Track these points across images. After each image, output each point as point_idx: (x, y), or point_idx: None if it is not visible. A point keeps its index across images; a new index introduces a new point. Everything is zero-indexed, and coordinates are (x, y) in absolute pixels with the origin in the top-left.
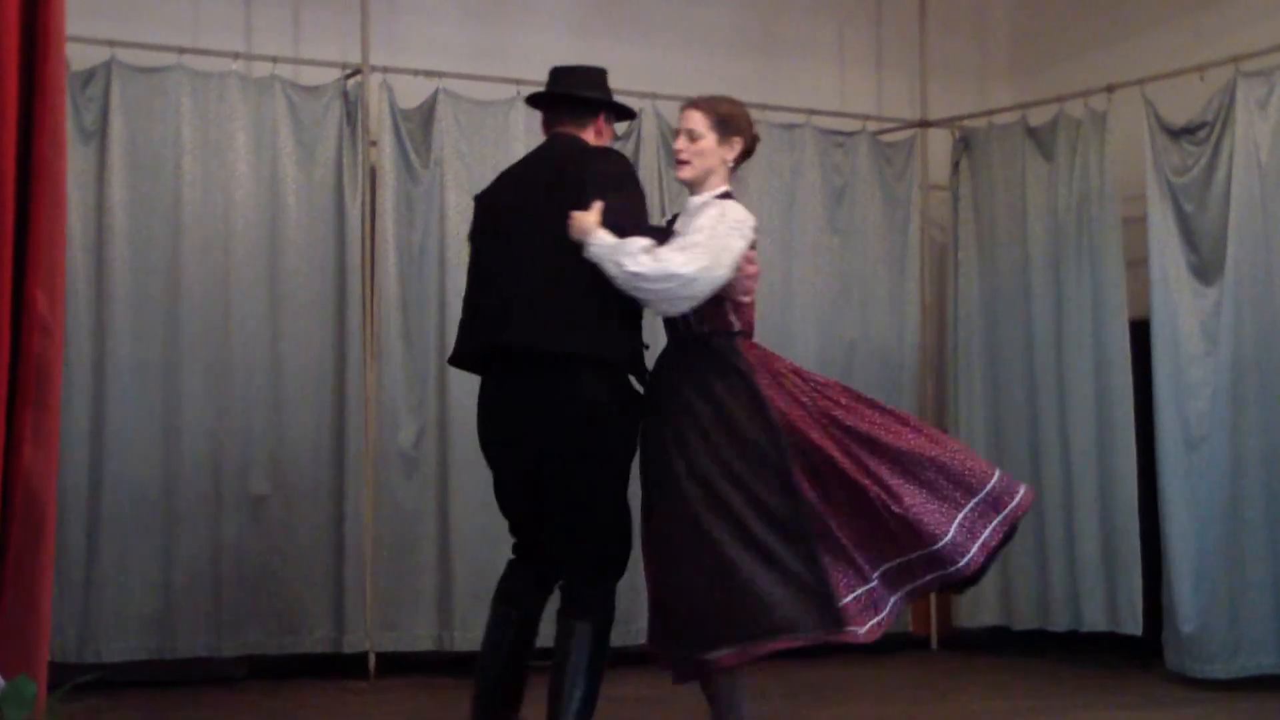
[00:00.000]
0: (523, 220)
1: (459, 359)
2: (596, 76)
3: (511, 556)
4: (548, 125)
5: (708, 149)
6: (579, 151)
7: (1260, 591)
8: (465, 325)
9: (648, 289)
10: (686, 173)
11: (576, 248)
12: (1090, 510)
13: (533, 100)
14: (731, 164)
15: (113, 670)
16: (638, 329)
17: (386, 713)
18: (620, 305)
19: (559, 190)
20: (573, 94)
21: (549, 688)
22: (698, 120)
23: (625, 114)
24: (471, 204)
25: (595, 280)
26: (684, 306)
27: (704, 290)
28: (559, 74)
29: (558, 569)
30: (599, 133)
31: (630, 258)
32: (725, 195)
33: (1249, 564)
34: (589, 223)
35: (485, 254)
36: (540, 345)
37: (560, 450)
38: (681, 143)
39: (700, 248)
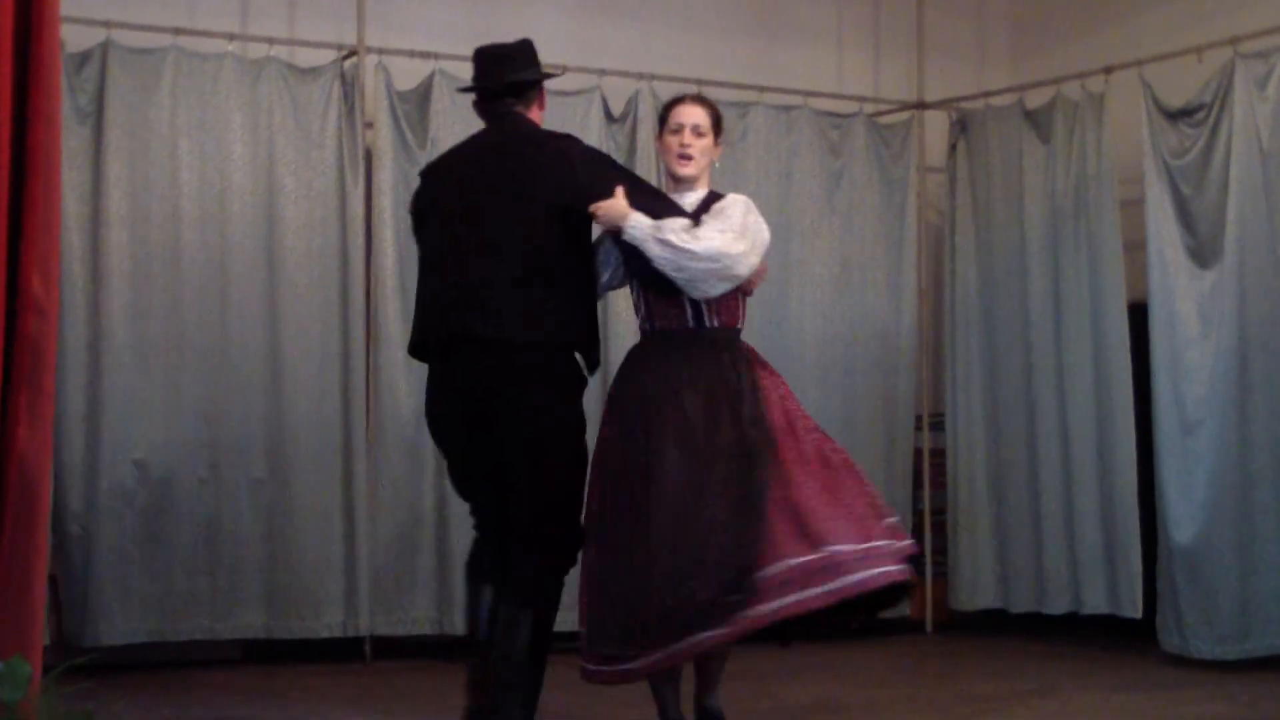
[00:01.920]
0: (490, 205)
1: (421, 348)
2: (528, 49)
3: (476, 536)
4: (489, 107)
5: (708, 146)
6: (544, 136)
7: (1272, 572)
8: (429, 311)
9: (695, 268)
10: (690, 168)
11: (547, 235)
12: (1090, 493)
13: (480, 88)
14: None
15: (110, 653)
16: (596, 316)
17: (382, 695)
18: (584, 293)
19: (530, 176)
20: (522, 79)
21: (491, 678)
22: (702, 117)
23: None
24: None
25: (564, 268)
26: (722, 289)
27: (745, 273)
28: (493, 57)
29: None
30: (541, 105)
31: (676, 235)
32: (714, 196)
33: (1259, 545)
34: (622, 206)
35: (443, 239)
36: (516, 335)
37: (529, 436)
38: (689, 137)
39: (740, 233)
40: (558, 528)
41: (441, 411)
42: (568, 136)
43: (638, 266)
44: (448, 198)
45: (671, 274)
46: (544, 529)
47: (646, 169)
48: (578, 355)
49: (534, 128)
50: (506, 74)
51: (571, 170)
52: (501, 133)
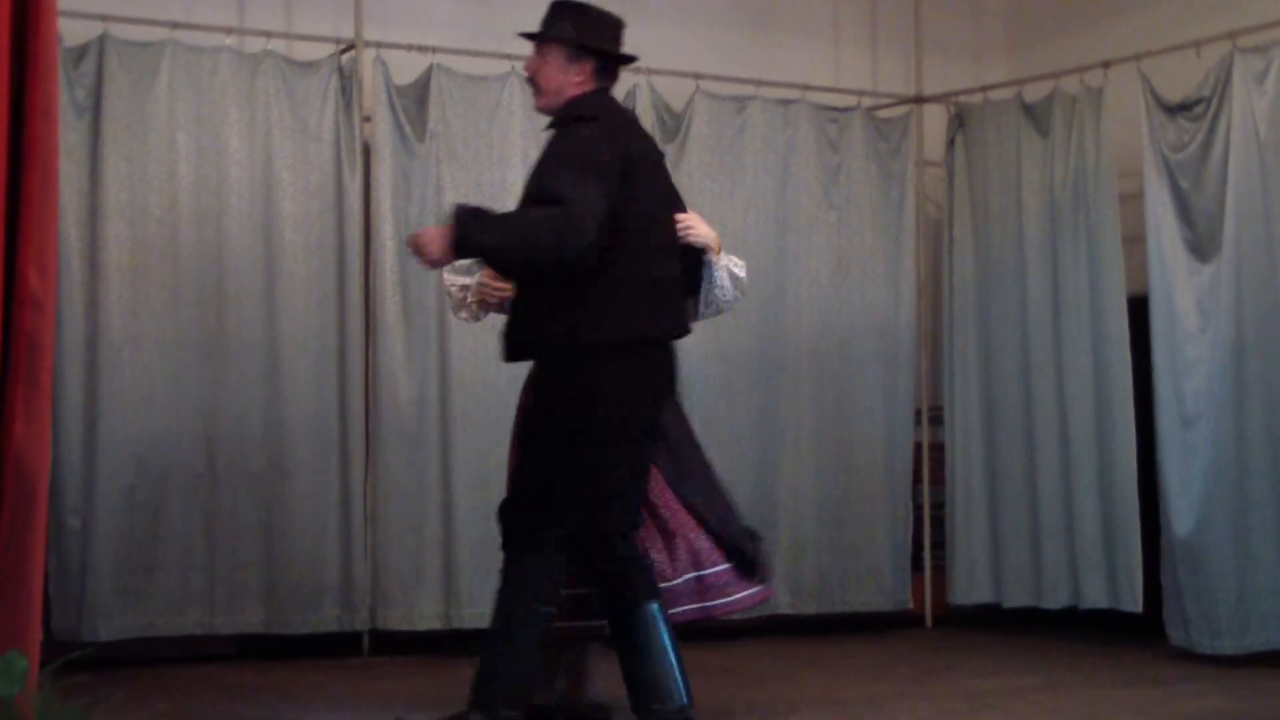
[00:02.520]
0: (670, 198)
1: (644, 340)
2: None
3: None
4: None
5: None
6: None
7: (1269, 567)
8: (661, 301)
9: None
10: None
11: None
12: (1089, 487)
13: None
14: None
15: (107, 648)
16: None
17: (379, 690)
18: None
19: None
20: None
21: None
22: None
23: None
24: (466, 178)
25: None
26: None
27: None
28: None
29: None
30: None
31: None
32: None
33: (1255, 540)
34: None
35: (652, 225)
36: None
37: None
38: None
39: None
40: None
41: (649, 412)
42: None
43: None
44: (650, 177)
45: (722, 306)
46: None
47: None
48: None
49: None
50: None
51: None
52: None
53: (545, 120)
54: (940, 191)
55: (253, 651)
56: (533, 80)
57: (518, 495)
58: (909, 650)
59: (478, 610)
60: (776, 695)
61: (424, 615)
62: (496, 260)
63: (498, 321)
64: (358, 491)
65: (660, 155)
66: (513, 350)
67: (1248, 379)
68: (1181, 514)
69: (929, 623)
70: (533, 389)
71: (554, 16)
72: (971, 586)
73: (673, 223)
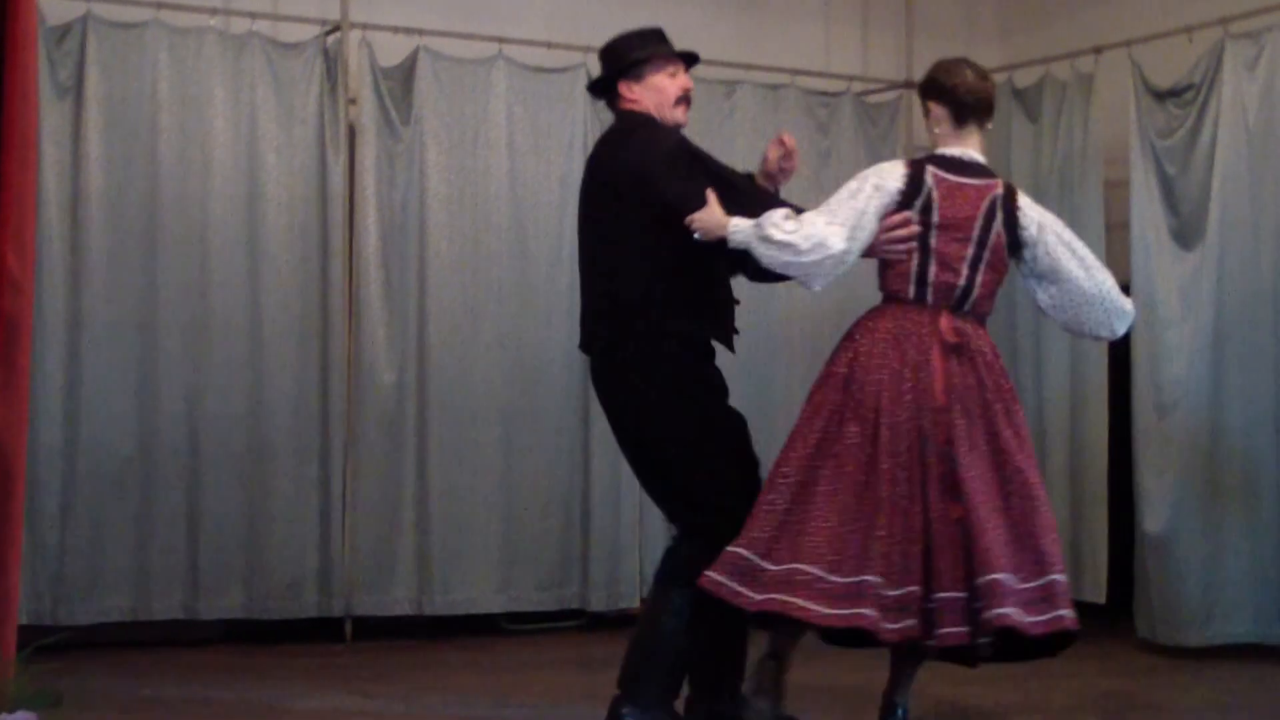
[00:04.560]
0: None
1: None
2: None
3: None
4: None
5: (927, 125)
6: None
7: (1237, 558)
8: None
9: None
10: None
11: None
12: (1060, 475)
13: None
14: (945, 125)
15: (87, 632)
16: None
17: (362, 676)
18: None
19: None
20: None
21: None
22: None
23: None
24: (451, 162)
25: None
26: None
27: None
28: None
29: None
30: None
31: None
32: (926, 160)
33: (1226, 531)
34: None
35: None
36: None
37: None
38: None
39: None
40: None
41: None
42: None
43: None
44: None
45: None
46: None
47: None
48: None
49: None
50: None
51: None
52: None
53: (531, 103)
54: None
55: (236, 636)
56: (690, 96)
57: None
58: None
59: (451, 597)
60: None
61: (398, 601)
62: None
63: (478, 308)
64: (338, 476)
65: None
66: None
67: (1226, 367)
68: (1154, 503)
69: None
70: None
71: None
72: None
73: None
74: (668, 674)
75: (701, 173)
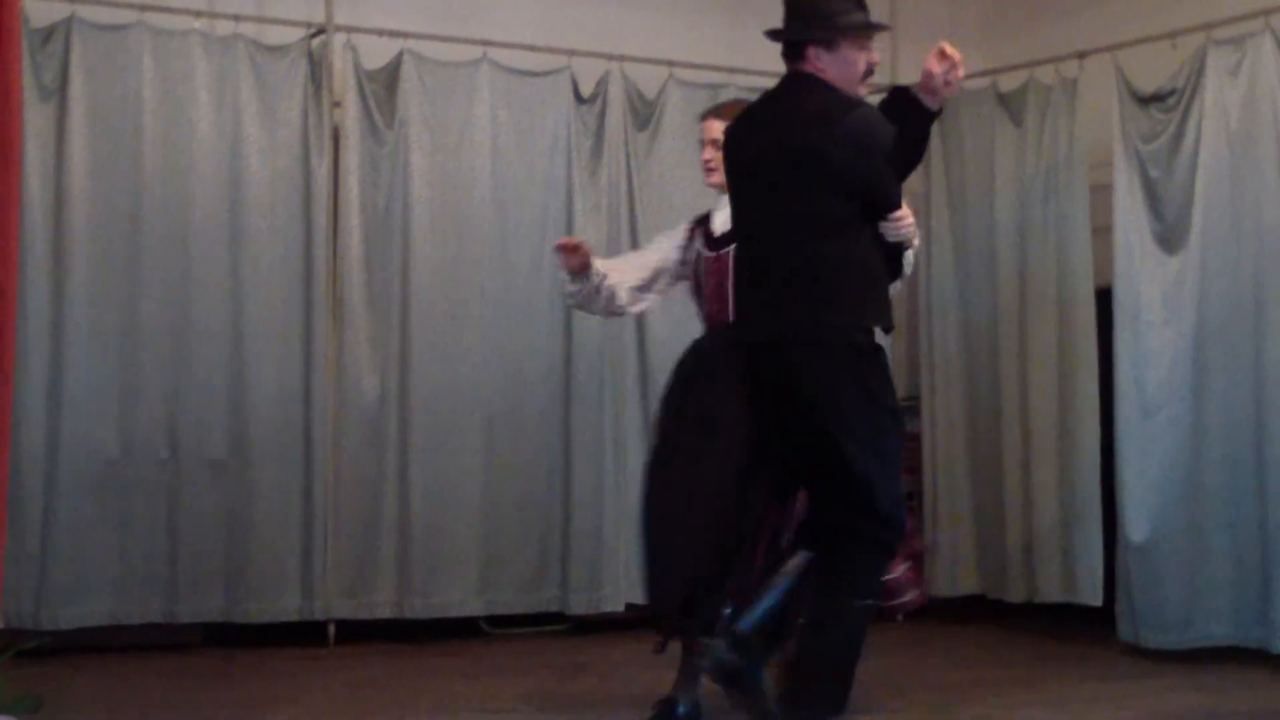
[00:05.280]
0: None
1: None
2: None
3: None
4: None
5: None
6: None
7: (1220, 561)
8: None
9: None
10: (716, 179)
11: None
12: (1050, 478)
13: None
14: None
15: (68, 636)
16: None
17: (345, 681)
18: None
19: None
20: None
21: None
22: (722, 131)
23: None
24: (435, 165)
25: None
26: None
27: None
28: None
29: None
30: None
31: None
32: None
33: (1209, 533)
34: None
35: None
36: None
37: None
38: (709, 152)
39: None
40: None
41: None
42: None
43: None
44: None
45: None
46: None
47: (615, 153)
48: None
49: None
50: None
51: None
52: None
53: (516, 107)
54: (915, 179)
55: (217, 639)
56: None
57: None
58: (877, 640)
59: (431, 600)
60: None
61: (378, 604)
62: None
63: (461, 312)
64: (320, 479)
65: None
66: None
67: (1209, 371)
68: (1137, 506)
69: (899, 616)
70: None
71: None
72: (936, 579)
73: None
74: (845, 685)
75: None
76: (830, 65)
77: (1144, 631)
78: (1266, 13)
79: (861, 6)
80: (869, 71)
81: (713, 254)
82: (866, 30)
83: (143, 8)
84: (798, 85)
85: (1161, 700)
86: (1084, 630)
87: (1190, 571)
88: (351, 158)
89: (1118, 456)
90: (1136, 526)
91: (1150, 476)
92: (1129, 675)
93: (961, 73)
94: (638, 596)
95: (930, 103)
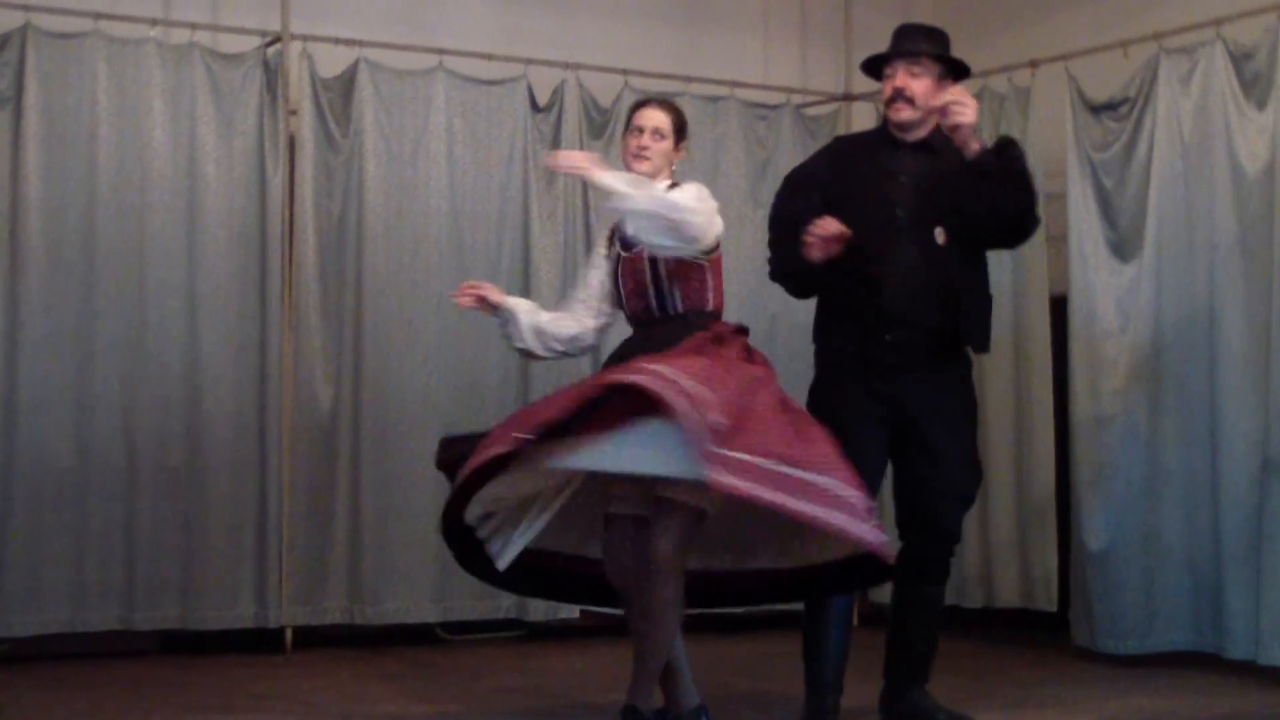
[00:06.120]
0: None
1: None
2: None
3: None
4: None
5: (667, 149)
6: None
7: (1176, 569)
8: None
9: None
10: (646, 167)
11: None
12: (1006, 486)
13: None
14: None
15: (24, 644)
16: None
17: (301, 687)
18: None
19: None
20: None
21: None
22: (663, 120)
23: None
24: (390, 174)
25: None
26: (671, 242)
27: (693, 232)
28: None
29: None
30: None
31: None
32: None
33: (1165, 541)
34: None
35: None
36: None
37: None
38: (647, 139)
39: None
40: None
41: None
42: None
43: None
44: None
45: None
46: None
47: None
48: None
49: None
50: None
51: None
52: None
53: (471, 115)
54: None
55: (173, 647)
56: (904, 93)
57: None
58: None
59: (384, 607)
60: (702, 689)
61: (332, 611)
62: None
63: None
64: (275, 487)
65: None
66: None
67: (1164, 379)
68: (1093, 514)
69: (856, 621)
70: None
71: (927, 38)
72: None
73: None
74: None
75: None
76: None
77: (1101, 638)
78: (1217, 22)
79: (902, 38)
80: (893, 96)
81: (629, 253)
82: (886, 60)
83: (98, 16)
84: None
85: (1112, 705)
86: (1040, 636)
87: (1148, 578)
88: (307, 166)
89: (1073, 464)
90: (1094, 534)
91: (1107, 484)
92: (1082, 680)
93: (964, 110)
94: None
95: (966, 153)
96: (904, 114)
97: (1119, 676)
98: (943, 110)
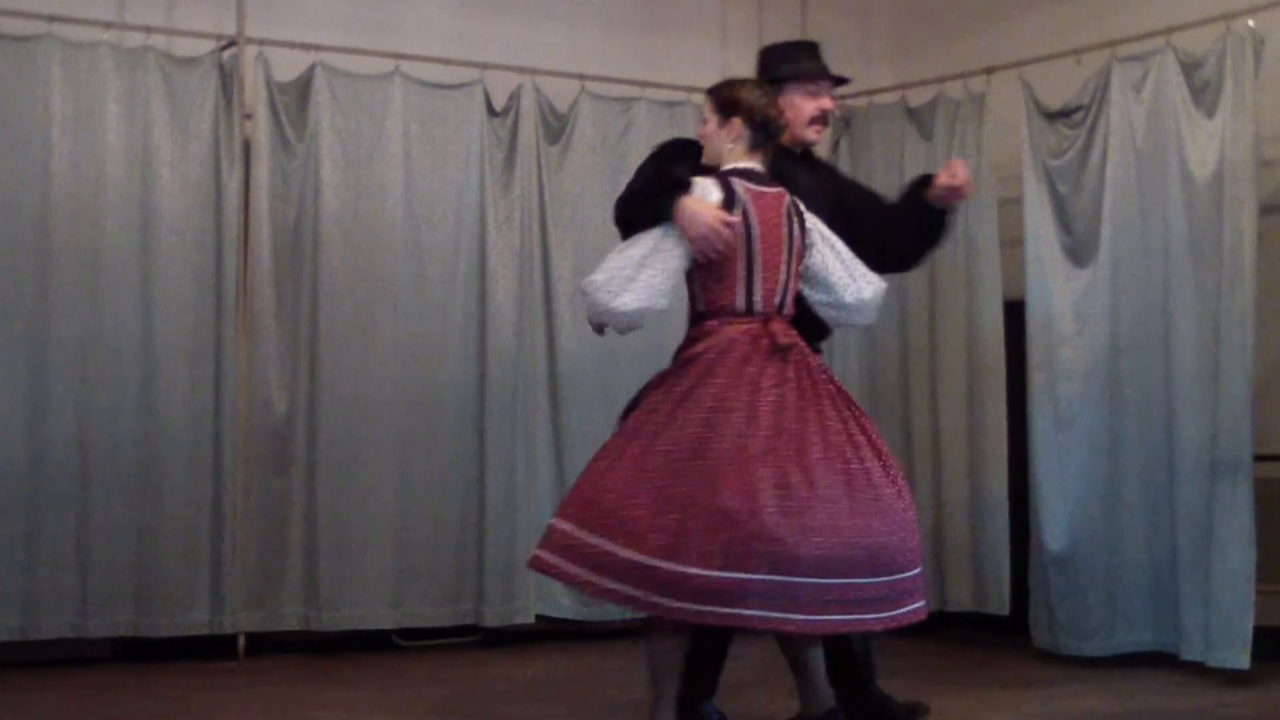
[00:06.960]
0: None
1: None
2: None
3: None
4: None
5: (710, 133)
6: None
7: (1137, 570)
8: None
9: None
10: (704, 157)
11: None
12: (960, 490)
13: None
14: (742, 143)
15: None
16: None
17: (257, 694)
18: None
19: None
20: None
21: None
22: (705, 106)
23: None
24: (346, 179)
25: None
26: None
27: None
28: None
29: None
30: None
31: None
32: (728, 173)
33: (1126, 542)
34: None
35: None
36: None
37: None
38: (698, 128)
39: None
40: None
41: None
42: None
43: None
44: None
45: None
46: None
47: (527, 166)
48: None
49: None
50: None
51: None
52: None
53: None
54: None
55: (128, 654)
56: (829, 115)
57: None
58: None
59: (340, 613)
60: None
61: (285, 616)
62: None
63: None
64: (229, 492)
65: None
66: None
67: (1122, 382)
68: (1054, 517)
69: None
70: None
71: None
72: None
73: None
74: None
75: None
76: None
77: (1063, 639)
78: (1168, 31)
79: (814, 57)
80: (820, 117)
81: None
82: (802, 77)
83: (52, 19)
84: None
85: (1065, 703)
86: (996, 639)
87: (1109, 579)
88: (262, 170)
89: (1033, 468)
90: (1054, 536)
91: (1067, 487)
92: (1037, 681)
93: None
94: (549, 609)
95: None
96: (821, 134)
97: (1072, 678)
98: (958, 191)
